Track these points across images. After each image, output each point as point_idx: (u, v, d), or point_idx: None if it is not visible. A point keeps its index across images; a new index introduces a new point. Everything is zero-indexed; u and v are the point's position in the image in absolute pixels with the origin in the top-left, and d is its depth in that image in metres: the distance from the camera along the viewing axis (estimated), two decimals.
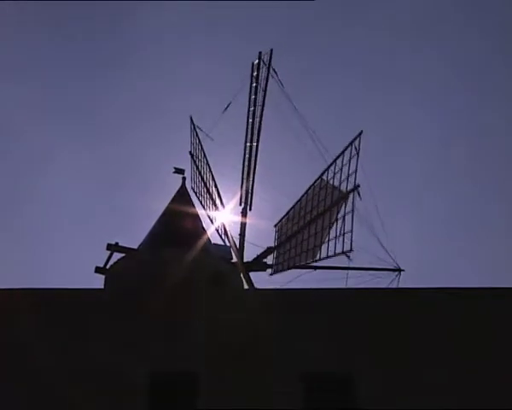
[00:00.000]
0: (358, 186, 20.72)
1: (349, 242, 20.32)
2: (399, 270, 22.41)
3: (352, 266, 21.82)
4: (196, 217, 23.06)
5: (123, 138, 44.74)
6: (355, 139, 21.36)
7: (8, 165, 40.73)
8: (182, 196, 23.92)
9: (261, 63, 22.59)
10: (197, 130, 24.07)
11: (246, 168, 22.55)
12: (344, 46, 42.75)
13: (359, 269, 22.28)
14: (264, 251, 22.69)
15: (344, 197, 20.83)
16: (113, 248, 20.60)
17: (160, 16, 40.33)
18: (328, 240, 21.14)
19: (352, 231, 20.23)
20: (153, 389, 12.63)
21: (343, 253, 20.53)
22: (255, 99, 22.53)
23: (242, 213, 22.76)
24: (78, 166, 41.27)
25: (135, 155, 44.25)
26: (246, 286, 20.70)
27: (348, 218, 20.49)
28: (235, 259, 21.58)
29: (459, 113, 43.63)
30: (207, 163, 23.60)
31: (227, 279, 19.13)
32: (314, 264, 22.41)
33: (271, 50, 22.58)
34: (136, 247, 21.46)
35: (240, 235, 22.54)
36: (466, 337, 13.01)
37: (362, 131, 21.39)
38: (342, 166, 21.35)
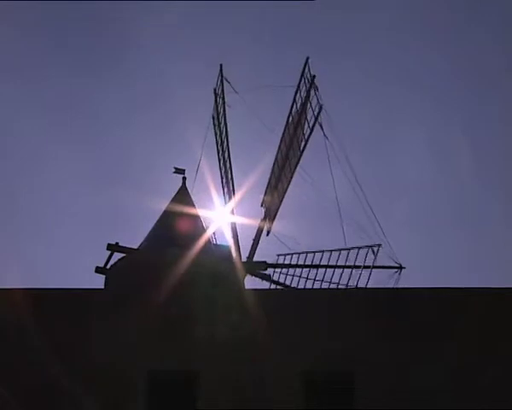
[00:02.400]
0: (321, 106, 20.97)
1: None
2: (400, 267, 22.36)
3: (351, 264, 21.84)
4: (197, 217, 23.05)
5: (122, 138, 44.71)
6: (304, 69, 21.60)
7: (7, 165, 40.69)
8: (182, 196, 23.90)
9: (218, 100, 22.93)
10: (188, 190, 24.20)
11: (226, 190, 22.62)
12: (343, 43, 42.72)
13: (359, 267, 22.28)
14: (257, 231, 22.66)
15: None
16: (113, 248, 20.59)
17: (159, 17, 40.32)
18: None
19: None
20: (152, 388, 12.65)
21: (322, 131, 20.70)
22: (221, 136, 22.81)
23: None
24: (78, 166, 41.21)
25: (135, 154, 44.21)
26: (247, 286, 20.72)
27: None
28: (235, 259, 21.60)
29: (459, 110, 43.59)
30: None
31: (227, 279, 19.14)
32: (314, 263, 22.44)
33: (221, 66, 22.98)
34: (136, 247, 21.45)
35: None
36: (466, 337, 13.01)
37: (308, 57, 21.69)
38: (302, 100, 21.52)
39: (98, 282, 20.45)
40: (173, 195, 23.96)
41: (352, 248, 22.25)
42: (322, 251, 22.48)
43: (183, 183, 24.43)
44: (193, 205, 23.57)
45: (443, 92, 44.26)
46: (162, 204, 23.33)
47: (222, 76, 23.19)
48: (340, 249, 22.27)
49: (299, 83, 21.81)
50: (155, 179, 32.61)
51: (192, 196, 24.02)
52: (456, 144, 39.64)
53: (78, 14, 39.36)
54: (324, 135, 21.39)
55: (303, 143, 21.70)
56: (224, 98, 22.80)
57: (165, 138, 44.39)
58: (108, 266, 20.78)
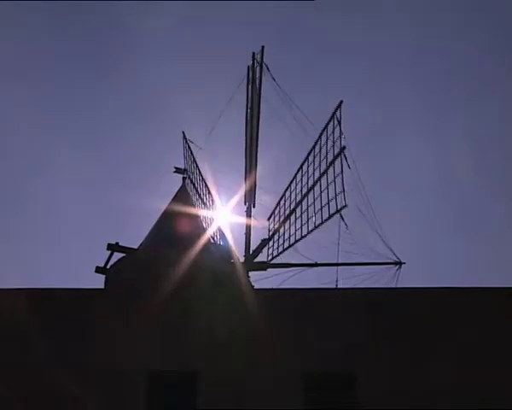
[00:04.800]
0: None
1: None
2: (400, 263, 22.23)
3: (350, 262, 21.78)
4: (197, 217, 23.06)
5: (123, 138, 44.74)
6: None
7: (8, 165, 40.76)
8: (182, 196, 23.91)
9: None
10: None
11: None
12: (343, 40, 42.77)
13: (358, 265, 22.21)
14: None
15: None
16: (113, 248, 20.59)
17: (158, 17, 40.37)
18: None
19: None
20: (152, 389, 12.66)
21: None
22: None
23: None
24: (78, 166, 41.27)
25: (135, 154, 44.26)
26: (245, 286, 20.72)
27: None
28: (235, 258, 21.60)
29: (460, 110, 43.63)
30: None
31: (227, 279, 19.15)
32: (312, 263, 22.45)
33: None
34: (136, 247, 21.46)
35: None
36: (467, 337, 13.02)
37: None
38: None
39: (98, 282, 20.45)
40: (173, 195, 23.99)
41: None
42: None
43: (183, 183, 24.45)
44: (193, 205, 23.59)
45: (443, 92, 44.29)
46: (162, 204, 23.37)
47: (187, 141, 23.41)
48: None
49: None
50: (155, 179, 32.64)
51: (192, 196, 24.07)
52: (456, 144, 39.68)
53: (80, 14, 39.45)
54: (273, 78, 21.78)
55: (257, 96, 22.09)
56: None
57: (165, 138, 44.41)
58: (108, 266, 20.78)
